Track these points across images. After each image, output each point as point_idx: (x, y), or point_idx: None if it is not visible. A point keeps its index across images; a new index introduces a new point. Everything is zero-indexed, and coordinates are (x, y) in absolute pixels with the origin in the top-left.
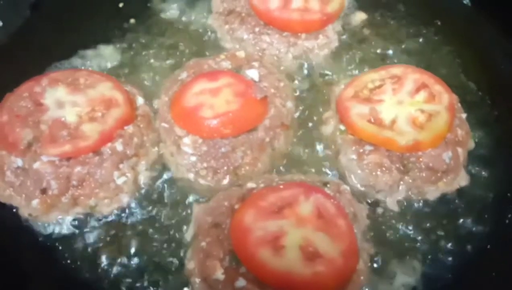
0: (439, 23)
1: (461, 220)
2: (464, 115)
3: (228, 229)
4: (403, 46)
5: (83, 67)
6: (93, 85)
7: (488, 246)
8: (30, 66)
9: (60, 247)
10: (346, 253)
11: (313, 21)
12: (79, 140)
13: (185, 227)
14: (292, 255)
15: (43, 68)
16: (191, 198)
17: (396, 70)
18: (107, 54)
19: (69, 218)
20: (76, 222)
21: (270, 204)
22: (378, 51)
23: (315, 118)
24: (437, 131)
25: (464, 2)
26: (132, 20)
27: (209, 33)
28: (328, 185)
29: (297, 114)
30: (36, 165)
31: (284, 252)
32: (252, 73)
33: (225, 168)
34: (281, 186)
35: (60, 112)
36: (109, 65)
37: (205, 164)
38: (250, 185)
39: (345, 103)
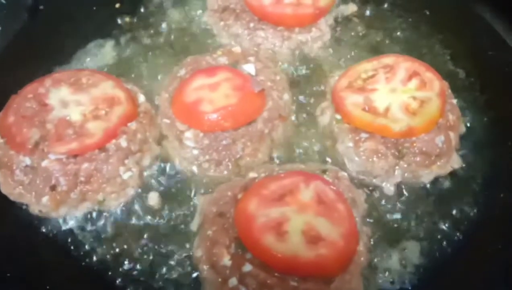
0: (427, 13)
1: (455, 201)
2: (454, 101)
3: (233, 218)
4: (393, 36)
5: (83, 66)
6: (95, 84)
7: (480, 226)
8: (30, 68)
9: (70, 241)
10: (347, 235)
11: (306, 15)
12: (85, 137)
13: (189, 218)
14: (295, 240)
15: (44, 70)
16: (194, 190)
17: (388, 59)
18: (104, 54)
19: (77, 213)
20: (84, 217)
21: (272, 192)
22: (369, 41)
23: (311, 109)
24: (430, 117)
25: None
26: (127, 19)
27: (205, 30)
28: (327, 173)
29: (293, 106)
30: (45, 163)
31: (287, 237)
32: (249, 68)
33: (227, 159)
34: (282, 175)
35: (65, 111)
36: (106, 64)
37: (207, 157)
38: (252, 175)
39: (340, 93)
